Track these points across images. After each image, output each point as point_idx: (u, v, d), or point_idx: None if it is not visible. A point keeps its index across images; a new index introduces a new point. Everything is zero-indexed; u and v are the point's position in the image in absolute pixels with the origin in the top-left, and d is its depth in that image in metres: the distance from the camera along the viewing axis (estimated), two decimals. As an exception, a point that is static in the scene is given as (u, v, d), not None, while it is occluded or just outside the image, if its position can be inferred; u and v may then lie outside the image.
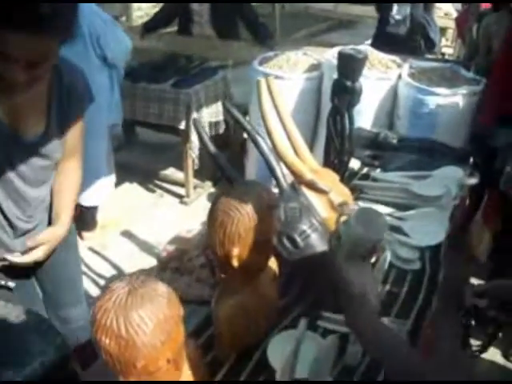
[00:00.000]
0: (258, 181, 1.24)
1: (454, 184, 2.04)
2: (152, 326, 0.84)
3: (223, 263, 1.22)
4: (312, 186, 1.53)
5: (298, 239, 1.42)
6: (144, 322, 0.83)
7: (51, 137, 1.48)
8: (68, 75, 1.48)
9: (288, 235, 1.42)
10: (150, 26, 4.19)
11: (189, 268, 2.19)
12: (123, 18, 5.62)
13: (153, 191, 4.08)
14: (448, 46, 6.32)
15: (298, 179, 1.54)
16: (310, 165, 1.60)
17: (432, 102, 2.91)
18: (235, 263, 1.16)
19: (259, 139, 1.48)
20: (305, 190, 1.53)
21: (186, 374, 1.07)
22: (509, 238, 2.50)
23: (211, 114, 3.65)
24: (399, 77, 3.08)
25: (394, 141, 2.34)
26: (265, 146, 1.48)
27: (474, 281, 2.87)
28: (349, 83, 1.79)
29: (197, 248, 2.09)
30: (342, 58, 1.78)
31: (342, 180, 1.96)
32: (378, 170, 2.23)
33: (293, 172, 1.54)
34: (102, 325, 0.83)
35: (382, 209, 1.91)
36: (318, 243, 1.43)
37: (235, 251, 1.14)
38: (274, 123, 1.56)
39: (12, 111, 1.38)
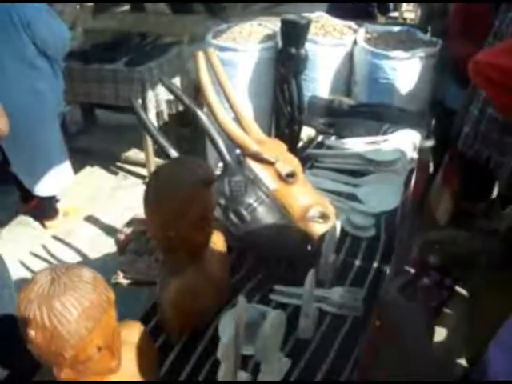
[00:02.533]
0: (194, 157, 1.19)
1: (409, 148, 2.02)
2: (76, 313, 0.79)
3: (164, 244, 1.18)
4: (257, 158, 1.48)
5: (245, 213, 1.38)
6: (67, 311, 0.79)
7: None
8: None
9: (234, 209, 1.39)
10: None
11: (148, 249, 2.15)
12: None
13: (115, 174, 4.00)
14: (409, 11, 6.28)
15: (243, 151, 1.49)
16: (255, 136, 1.55)
17: (388, 66, 2.85)
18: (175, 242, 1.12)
19: (199, 112, 1.43)
20: (250, 162, 1.48)
21: (130, 359, 1.03)
22: (468, 201, 2.50)
23: (164, 91, 3.56)
24: (355, 42, 3.02)
25: (348, 106, 2.31)
26: (205, 119, 1.44)
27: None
28: (293, 50, 1.75)
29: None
30: (285, 24, 1.73)
31: (295, 149, 1.92)
32: (333, 138, 2.20)
33: (237, 144, 1.49)
34: (27, 316, 0.79)
35: (336, 176, 1.89)
36: (265, 216, 1.40)
37: (172, 231, 1.10)
38: (214, 96, 1.51)
39: None
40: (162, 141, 1.33)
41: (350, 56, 3.06)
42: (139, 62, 3.36)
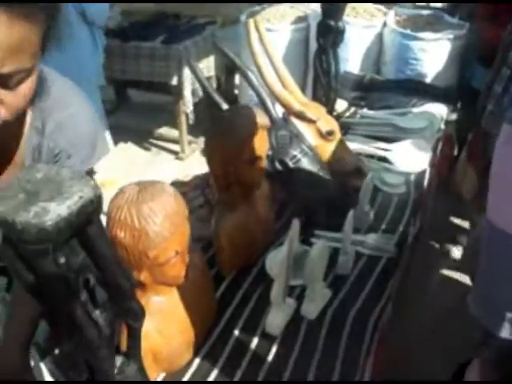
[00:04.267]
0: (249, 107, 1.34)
1: (436, 119, 2.15)
2: (161, 217, 0.94)
3: (222, 181, 1.33)
4: (300, 116, 1.63)
5: (289, 163, 1.53)
6: (154, 214, 0.94)
7: None
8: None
9: (280, 159, 1.53)
10: None
11: (188, 209, 2.30)
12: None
13: (148, 149, 4.17)
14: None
15: (288, 110, 1.64)
16: (298, 98, 1.69)
17: (417, 46, 2.98)
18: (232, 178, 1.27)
19: (250, 74, 1.57)
20: (294, 120, 1.63)
21: (193, 280, 1.18)
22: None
23: (202, 69, 3.70)
24: (384, 24, 3.15)
25: (378, 82, 2.44)
26: (255, 80, 1.58)
27: (459, 221, 3.02)
28: (332, 23, 1.88)
29: (195, 189, 2.19)
30: (325, -2, 1.86)
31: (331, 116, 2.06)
32: (365, 109, 2.33)
33: (283, 104, 1.64)
34: (117, 220, 0.94)
35: (369, 142, 2.02)
36: (308, 166, 1.55)
37: (231, 167, 1.25)
38: (262, 59, 1.65)
39: None
40: (215, 94, 1.47)
41: (380, 37, 3.18)
42: (175, 41, 3.51)
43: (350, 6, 3.24)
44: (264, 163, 1.36)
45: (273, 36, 3.26)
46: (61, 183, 0.55)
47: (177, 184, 2.39)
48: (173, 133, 4.15)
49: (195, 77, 1.60)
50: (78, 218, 0.53)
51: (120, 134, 4.18)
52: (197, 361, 1.19)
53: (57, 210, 0.51)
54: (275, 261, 1.41)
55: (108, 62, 3.50)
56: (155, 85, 3.78)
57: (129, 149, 4.19)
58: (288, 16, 3.46)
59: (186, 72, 3.51)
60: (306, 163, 1.55)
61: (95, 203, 0.55)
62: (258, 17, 3.49)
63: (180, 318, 1.11)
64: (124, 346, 0.81)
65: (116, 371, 0.82)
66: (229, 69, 3.74)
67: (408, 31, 2.99)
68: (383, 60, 3.19)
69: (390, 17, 3.17)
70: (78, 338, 0.66)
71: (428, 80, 2.97)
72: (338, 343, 1.22)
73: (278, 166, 1.54)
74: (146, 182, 1.00)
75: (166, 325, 1.07)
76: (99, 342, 0.67)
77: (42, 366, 1.16)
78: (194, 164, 3.76)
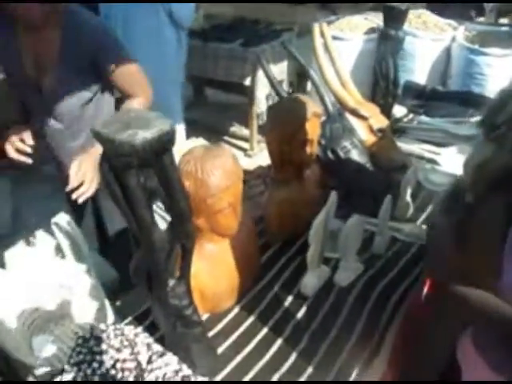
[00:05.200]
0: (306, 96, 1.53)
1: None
2: (220, 172, 1.15)
3: (277, 161, 1.53)
4: (354, 113, 1.80)
5: (340, 153, 1.70)
6: (215, 169, 1.15)
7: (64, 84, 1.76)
8: (83, 26, 1.70)
9: (332, 149, 1.71)
10: None
11: (249, 194, 2.52)
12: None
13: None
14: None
15: (343, 107, 1.81)
16: (354, 97, 1.87)
17: (484, 62, 3.06)
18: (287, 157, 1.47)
19: (312, 72, 1.76)
20: (348, 115, 1.80)
21: (242, 240, 1.38)
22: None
23: (276, 72, 3.92)
24: (453, 39, 3.24)
25: (438, 92, 2.56)
26: (316, 77, 1.77)
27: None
28: (392, 32, 2.03)
29: (257, 178, 2.40)
30: (387, 9, 2.03)
31: (388, 118, 2.21)
32: (423, 116, 2.46)
33: (339, 100, 1.82)
34: (185, 171, 1.16)
35: (421, 145, 2.16)
36: (356, 157, 1.71)
37: (287, 146, 1.45)
38: (324, 60, 1.84)
39: (31, 57, 1.69)
40: (278, 86, 1.67)
41: (448, 51, 3.27)
42: (253, 44, 3.75)
43: (420, 19, 3.36)
44: (315, 147, 1.55)
45: (345, 45, 3.44)
46: (148, 120, 0.76)
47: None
48: (243, 131, 4.40)
49: (264, 72, 1.81)
50: (158, 142, 0.75)
51: (193, 128, 4.47)
52: (236, 308, 1.39)
53: (143, 134, 0.73)
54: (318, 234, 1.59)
55: (189, 60, 3.79)
56: (231, 85, 4.03)
57: (199, 143, 4.47)
58: (361, 26, 3.62)
59: (260, 74, 3.73)
60: (355, 155, 1.72)
61: (170, 135, 0.77)
62: (332, 26, 3.68)
63: (227, 267, 1.32)
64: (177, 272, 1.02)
65: (169, 289, 1.03)
66: (299, 73, 3.93)
67: (476, 46, 3.08)
68: (449, 73, 3.29)
69: (460, 32, 3.26)
70: (146, 242, 0.88)
71: (492, 95, 3.03)
72: (362, 311, 1.38)
73: (329, 154, 1.71)
74: (211, 145, 1.22)
75: (214, 269, 1.28)
76: (161, 245, 0.88)
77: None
78: (261, 161, 3.97)
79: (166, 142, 0.76)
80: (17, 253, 1.45)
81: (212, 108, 4.90)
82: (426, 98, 2.61)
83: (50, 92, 1.77)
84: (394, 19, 2.00)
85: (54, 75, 1.73)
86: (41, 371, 1.16)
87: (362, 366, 1.24)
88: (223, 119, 4.69)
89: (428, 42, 3.20)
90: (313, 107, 1.47)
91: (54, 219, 1.46)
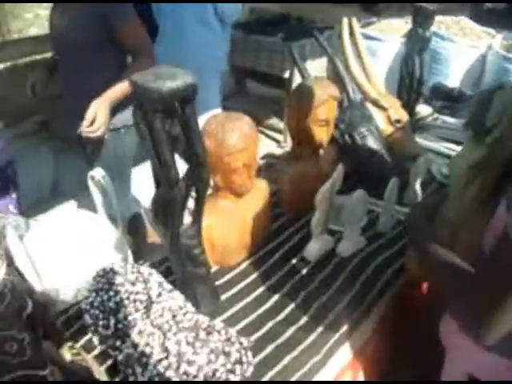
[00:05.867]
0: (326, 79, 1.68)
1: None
2: (238, 134, 1.31)
3: (296, 135, 1.68)
4: (375, 103, 1.93)
5: (357, 137, 1.84)
6: (233, 130, 1.31)
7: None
8: None
9: (349, 133, 1.85)
10: None
11: (276, 177, 2.66)
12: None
13: (253, 134, 4.60)
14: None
15: (365, 96, 1.95)
16: (376, 88, 2.00)
17: (518, 70, 3.12)
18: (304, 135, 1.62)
19: (337, 61, 1.90)
20: (369, 104, 1.94)
21: (255, 198, 1.53)
22: None
23: (316, 68, 4.04)
24: (489, 47, 3.31)
25: (466, 95, 2.65)
26: (341, 67, 1.91)
27: None
28: (420, 31, 2.15)
29: (282, 161, 2.52)
30: (416, 9, 2.14)
31: (411, 115, 2.33)
32: (447, 117, 2.56)
33: (361, 90, 1.95)
34: (207, 131, 1.31)
35: (441, 142, 2.27)
36: (372, 143, 1.84)
37: (304, 125, 1.60)
38: (350, 51, 1.98)
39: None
40: (304, 71, 1.81)
41: (483, 58, 3.34)
42: (294, 39, 3.88)
43: (459, 25, 3.44)
44: (331, 128, 1.69)
45: (382, 46, 3.55)
46: (175, 74, 0.93)
47: (269, 155, 2.77)
48: (279, 124, 4.55)
49: (296, 65, 1.95)
50: (181, 92, 0.91)
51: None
52: (243, 264, 1.55)
53: (170, 84, 0.89)
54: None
55: (231, 51, 3.96)
56: (270, 77, 4.18)
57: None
58: (400, 29, 3.72)
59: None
60: (370, 141, 1.85)
61: (193, 88, 0.93)
62: (373, 26, 3.79)
63: (238, 224, 1.47)
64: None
65: (182, 228, 1.20)
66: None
67: (510, 55, 3.14)
68: (483, 80, 3.35)
69: (497, 40, 3.32)
70: (166, 181, 1.05)
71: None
72: (356, 280, 1.51)
73: (347, 138, 1.85)
74: (232, 112, 1.37)
75: (226, 225, 1.44)
76: (179, 184, 1.04)
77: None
78: (291, 152, 4.14)
79: (188, 92, 0.92)
80: (56, 215, 1.66)
81: (251, 99, 5.06)
82: (453, 100, 2.70)
83: None
84: (422, 19, 2.12)
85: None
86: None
87: (348, 328, 1.36)
88: (261, 110, 4.84)
89: (464, 48, 3.28)
90: (332, 90, 1.61)
91: (91, 172, 1.65)
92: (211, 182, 1.31)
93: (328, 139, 1.70)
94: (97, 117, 1.93)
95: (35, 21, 7.28)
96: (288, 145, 4.37)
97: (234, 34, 3.88)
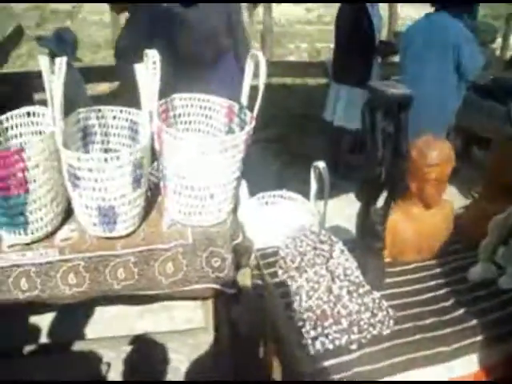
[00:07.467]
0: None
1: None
2: (438, 151, 1.62)
3: (494, 179, 1.91)
4: None
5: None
6: (435, 148, 1.62)
7: None
8: None
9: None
10: None
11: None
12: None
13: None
14: None
15: None
16: None
17: None
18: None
19: None
20: None
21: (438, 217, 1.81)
22: None
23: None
24: None
25: None
26: None
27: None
28: None
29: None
30: None
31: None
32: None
33: None
34: (415, 145, 1.64)
35: None
36: None
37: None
38: None
39: None
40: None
41: None
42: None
43: None
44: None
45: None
46: (397, 86, 1.32)
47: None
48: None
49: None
50: (399, 98, 1.29)
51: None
52: (413, 264, 1.84)
53: (393, 91, 1.28)
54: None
55: (463, 111, 4.06)
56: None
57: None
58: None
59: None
60: None
61: (408, 99, 1.31)
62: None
63: (419, 230, 1.76)
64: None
65: (373, 210, 1.57)
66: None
67: None
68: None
69: None
70: (369, 164, 1.43)
71: None
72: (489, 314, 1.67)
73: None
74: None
75: (409, 225, 1.76)
76: (379, 173, 1.42)
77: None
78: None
79: (405, 100, 1.30)
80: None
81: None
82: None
83: None
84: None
85: None
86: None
87: (483, 343, 1.55)
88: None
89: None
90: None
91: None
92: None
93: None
94: None
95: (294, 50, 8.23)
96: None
97: (470, 95, 3.97)
